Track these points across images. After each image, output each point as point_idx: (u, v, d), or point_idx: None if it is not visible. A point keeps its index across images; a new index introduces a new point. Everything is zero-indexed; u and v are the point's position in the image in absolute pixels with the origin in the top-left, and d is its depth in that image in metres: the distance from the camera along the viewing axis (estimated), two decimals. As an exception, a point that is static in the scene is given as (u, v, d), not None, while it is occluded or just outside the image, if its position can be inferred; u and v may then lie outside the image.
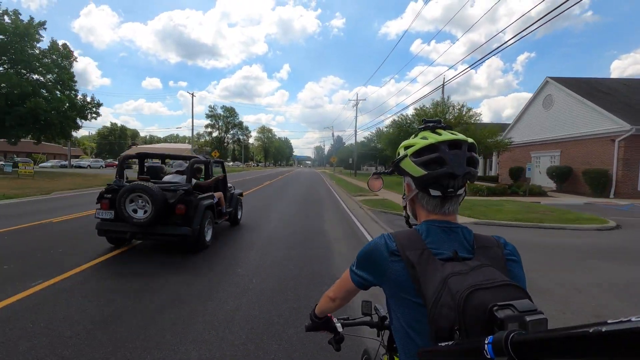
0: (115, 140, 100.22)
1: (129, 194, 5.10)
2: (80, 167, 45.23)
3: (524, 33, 8.87)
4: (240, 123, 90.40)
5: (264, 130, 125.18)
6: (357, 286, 0.99)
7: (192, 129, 44.47)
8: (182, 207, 5.30)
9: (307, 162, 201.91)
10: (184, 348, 2.80)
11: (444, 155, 0.88)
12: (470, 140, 0.93)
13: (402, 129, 23.99)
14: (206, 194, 6.04)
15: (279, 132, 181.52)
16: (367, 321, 1.37)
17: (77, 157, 63.46)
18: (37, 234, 6.74)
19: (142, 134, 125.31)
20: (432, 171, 0.89)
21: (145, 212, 5.12)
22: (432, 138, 0.91)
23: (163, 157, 7.79)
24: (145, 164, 6.87)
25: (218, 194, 6.62)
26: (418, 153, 0.92)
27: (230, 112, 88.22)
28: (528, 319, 0.60)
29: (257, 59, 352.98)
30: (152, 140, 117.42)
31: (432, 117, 11.81)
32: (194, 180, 6.06)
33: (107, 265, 4.91)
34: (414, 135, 0.99)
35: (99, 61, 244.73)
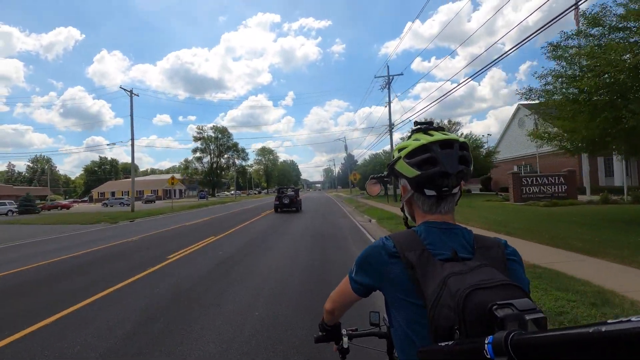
0: (105, 175, 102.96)
1: (284, 196, 21.16)
2: None
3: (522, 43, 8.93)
4: (235, 145, 73.82)
5: (265, 152, 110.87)
6: (355, 293, 0.99)
7: (132, 147, 29.70)
8: (295, 200, 21.35)
9: (316, 185, 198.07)
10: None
11: (436, 155, 0.90)
12: (461, 139, 0.95)
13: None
14: (298, 197, 22.11)
15: (287, 157, 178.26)
16: (376, 332, 1.36)
17: (44, 197, 59.38)
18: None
19: (153, 167, 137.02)
20: (425, 171, 0.91)
21: (287, 201, 21.08)
22: (423, 139, 0.94)
23: (286, 187, 23.75)
24: (282, 188, 23.44)
25: (298, 198, 22.39)
26: (411, 154, 0.94)
27: (222, 132, 72.18)
28: (527, 317, 0.61)
29: (262, 89, 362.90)
30: (154, 171, 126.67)
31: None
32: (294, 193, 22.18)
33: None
34: (407, 138, 1.03)
35: (111, 103, 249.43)
